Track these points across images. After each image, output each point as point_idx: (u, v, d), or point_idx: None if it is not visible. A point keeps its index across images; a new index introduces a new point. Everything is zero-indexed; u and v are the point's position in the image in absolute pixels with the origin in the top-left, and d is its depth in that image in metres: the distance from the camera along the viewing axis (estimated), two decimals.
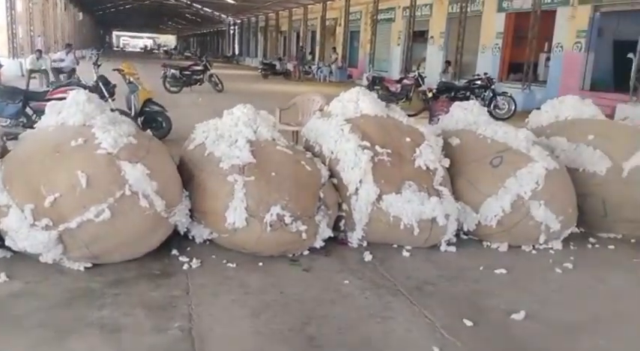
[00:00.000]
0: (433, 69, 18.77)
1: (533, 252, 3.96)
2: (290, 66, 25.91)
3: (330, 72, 24.68)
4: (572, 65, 14.25)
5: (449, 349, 2.62)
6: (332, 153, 4.07)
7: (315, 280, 3.34)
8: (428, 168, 3.94)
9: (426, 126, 4.70)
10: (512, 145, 4.12)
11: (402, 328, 2.82)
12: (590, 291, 3.39)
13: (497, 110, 12.12)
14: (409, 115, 7.69)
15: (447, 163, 4.08)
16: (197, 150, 4.00)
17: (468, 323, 2.86)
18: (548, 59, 15.37)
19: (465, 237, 4.13)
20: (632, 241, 4.27)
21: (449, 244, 3.93)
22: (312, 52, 30.35)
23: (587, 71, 14.12)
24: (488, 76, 12.44)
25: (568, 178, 4.08)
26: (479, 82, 12.23)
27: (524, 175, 3.88)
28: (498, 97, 12.13)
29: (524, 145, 4.07)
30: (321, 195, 3.72)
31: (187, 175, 3.80)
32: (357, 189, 3.82)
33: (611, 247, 4.16)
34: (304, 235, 3.54)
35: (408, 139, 4.04)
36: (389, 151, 3.93)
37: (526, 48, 14.91)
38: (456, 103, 5.09)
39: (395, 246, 3.91)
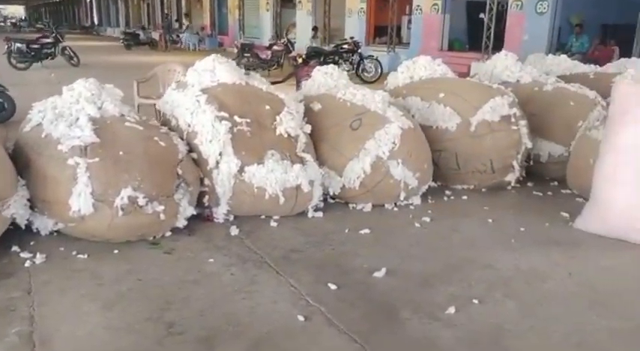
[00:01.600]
0: (303, 34, 18.75)
1: (395, 209, 4.11)
2: (156, 35, 24.47)
3: (200, 40, 23.73)
4: (431, 27, 15.00)
5: (313, 316, 2.63)
6: (189, 126, 3.86)
7: (178, 262, 3.18)
8: (289, 135, 3.88)
9: (290, 92, 4.63)
10: (370, 107, 4.19)
11: (267, 300, 2.77)
12: (445, 241, 3.59)
13: (365, 73, 12.48)
14: (276, 82, 7.61)
15: (308, 129, 4.05)
16: (33, 132, 3.57)
17: (333, 287, 2.89)
18: (410, 22, 16.03)
19: (332, 201, 4.18)
20: (483, 190, 4.59)
21: (316, 209, 3.94)
22: (179, 20, 28.89)
23: (445, 32, 14.95)
24: (354, 40, 12.70)
25: (422, 136, 4.26)
26: (346, 46, 12.45)
27: (381, 136, 3.97)
28: (365, 61, 12.45)
29: (381, 106, 4.16)
30: (180, 171, 3.51)
31: (24, 161, 3.39)
32: (217, 162, 3.67)
33: (465, 197, 4.46)
34: (162, 216, 3.33)
35: (267, 107, 3.94)
36: (248, 120, 3.80)
37: (389, 11, 15.39)
38: (317, 67, 5.07)
39: (263, 217, 3.85)
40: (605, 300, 2.83)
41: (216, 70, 4.25)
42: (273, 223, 3.76)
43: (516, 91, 5.06)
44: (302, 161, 3.82)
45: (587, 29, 12.01)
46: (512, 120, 4.41)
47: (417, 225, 3.83)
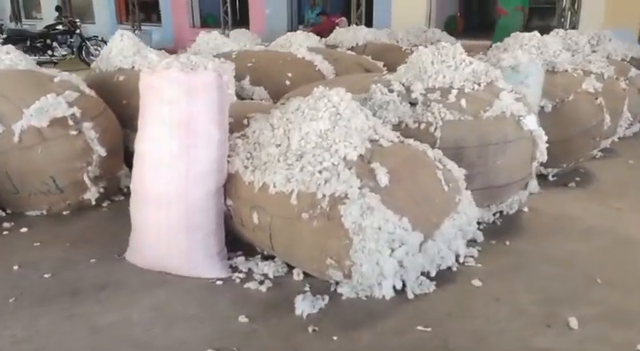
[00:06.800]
0: (49, 16, 16.20)
1: None
2: None
3: None
4: (180, 2, 13.83)
5: None
6: None
7: None
8: None
9: None
10: None
11: None
12: None
13: (91, 57, 10.82)
14: None
15: None
16: None
17: None
18: None
19: None
20: (65, 213, 3.57)
21: None
22: None
23: (195, 8, 13.90)
24: (71, 19, 10.92)
25: None
26: (60, 27, 10.60)
27: None
28: (89, 43, 10.78)
29: None
30: None
31: None
32: None
33: (25, 229, 3.35)
34: None
35: None
36: None
37: None
38: None
39: None
40: None
41: None
42: None
43: (132, 79, 4.12)
44: None
45: (322, 1, 11.82)
46: (71, 123, 3.39)
47: None
